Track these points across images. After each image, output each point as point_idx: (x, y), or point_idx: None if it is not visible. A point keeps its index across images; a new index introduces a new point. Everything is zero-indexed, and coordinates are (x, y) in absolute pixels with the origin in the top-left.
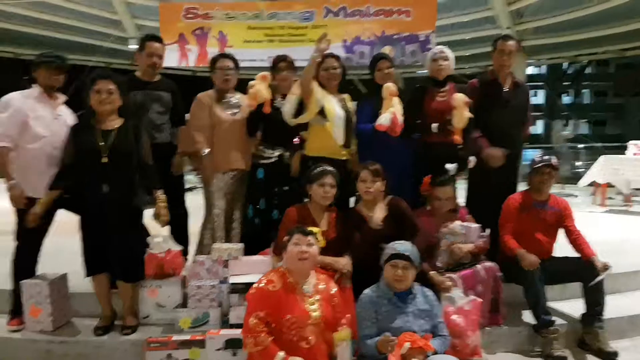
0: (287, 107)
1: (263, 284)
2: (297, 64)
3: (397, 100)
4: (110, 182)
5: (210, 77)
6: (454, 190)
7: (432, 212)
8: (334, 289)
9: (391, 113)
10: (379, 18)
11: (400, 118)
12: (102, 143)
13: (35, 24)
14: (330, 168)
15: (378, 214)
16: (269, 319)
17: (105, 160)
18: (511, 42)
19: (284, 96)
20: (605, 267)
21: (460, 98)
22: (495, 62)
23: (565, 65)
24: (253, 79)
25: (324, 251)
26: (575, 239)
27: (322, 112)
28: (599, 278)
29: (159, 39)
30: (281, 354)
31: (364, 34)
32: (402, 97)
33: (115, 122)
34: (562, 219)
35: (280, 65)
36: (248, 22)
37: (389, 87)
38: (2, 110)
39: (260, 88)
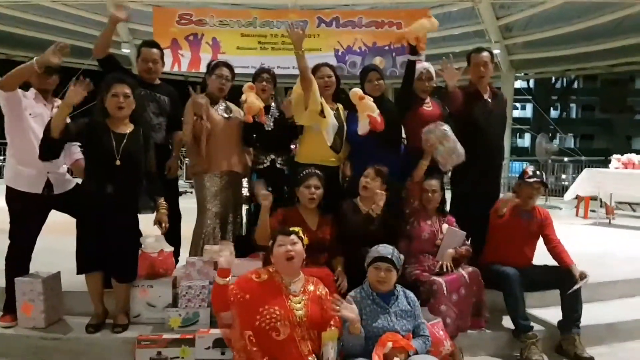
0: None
1: (249, 274)
2: (289, 71)
3: (367, 99)
4: (117, 184)
5: (202, 81)
6: (440, 184)
7: (422, 208)
8: (324, 291)
9: (366, 117)
10: (371, 29)
11: (377, 116)
12: (116, 146)
13: (29, 26)
14: (315, 170)
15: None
16: (249, 307)
17: (118, 163)
18: (485, 54)
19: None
20: (583, 276)
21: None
22: (473, 75)
23: (553, 79)
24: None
25: (313, 252)
26: (554, 247)
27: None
28: (576, 286)
29: (154, 44)
30: None
31: (355, 44)
32: (390, 106)
33: (127, 127)
34: (542, 228)
35: (263, 75)
36: (241, 29)
37: (356, 92)
38: None
39: (252, 99)
